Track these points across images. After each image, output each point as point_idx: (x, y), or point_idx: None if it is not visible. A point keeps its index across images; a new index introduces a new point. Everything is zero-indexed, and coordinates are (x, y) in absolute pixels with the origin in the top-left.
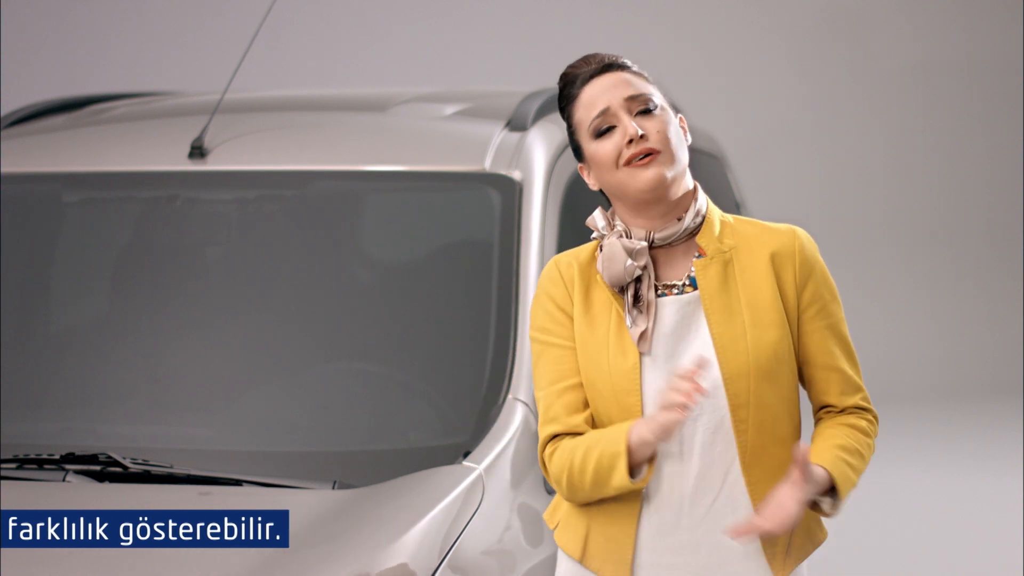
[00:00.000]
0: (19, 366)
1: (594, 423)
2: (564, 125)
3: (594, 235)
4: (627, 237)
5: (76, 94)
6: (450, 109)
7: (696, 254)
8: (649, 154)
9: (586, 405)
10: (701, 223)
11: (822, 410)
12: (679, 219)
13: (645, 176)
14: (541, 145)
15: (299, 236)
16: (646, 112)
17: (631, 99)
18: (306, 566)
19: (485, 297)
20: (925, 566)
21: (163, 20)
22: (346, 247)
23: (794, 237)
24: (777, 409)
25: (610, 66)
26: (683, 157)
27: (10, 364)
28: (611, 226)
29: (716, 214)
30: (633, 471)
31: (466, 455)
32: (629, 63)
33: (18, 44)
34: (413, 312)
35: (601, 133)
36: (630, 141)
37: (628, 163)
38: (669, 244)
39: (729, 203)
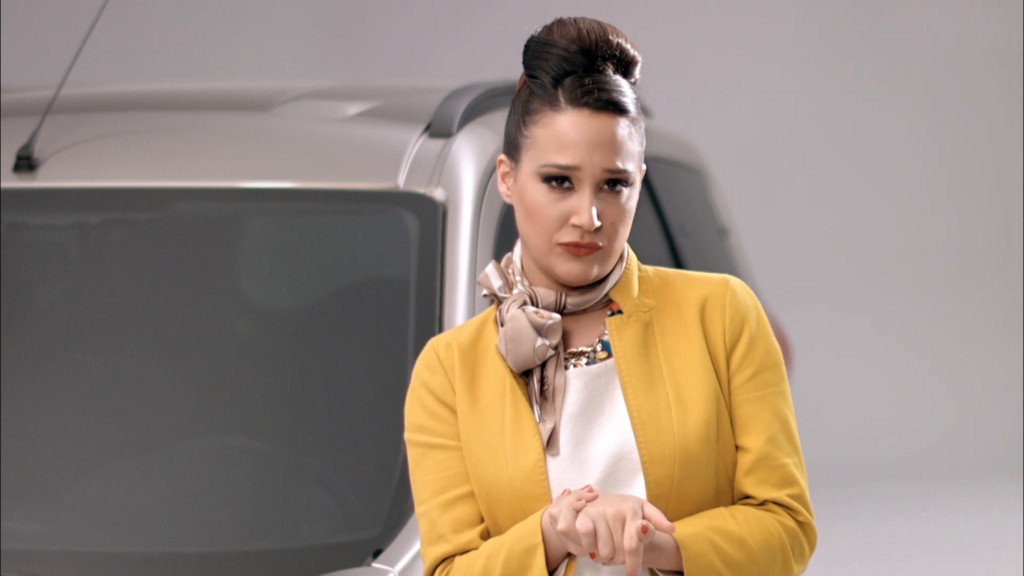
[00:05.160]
0: None
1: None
2: (499, 130)
3: (485, 294)
4: (532, 303)
5: None
6: (353, 109)
7: (610, 311)
8: (590, 248)
9: (480, 518)
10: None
11: (739, 503)
12: (599, 282)
13: (573, 269)
14: (470, 156)
15: (158, 273)
16: (614, 187)
17: (609, 171)
18: None
19: (399, 353)
20: None
21: None
22: (219, 288)
23: (726, 287)
24: (702, 507)
25: (612, 105)
26: (622, 245)
27: None
28: (509, 285)
29: (635, 266)
30: (551, 565)
31: (376, 555)
32: (631, 105)
33: None
34: (306, 372)
35: (550, 179)
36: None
37: (562, 244)
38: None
39: (711, 230)
